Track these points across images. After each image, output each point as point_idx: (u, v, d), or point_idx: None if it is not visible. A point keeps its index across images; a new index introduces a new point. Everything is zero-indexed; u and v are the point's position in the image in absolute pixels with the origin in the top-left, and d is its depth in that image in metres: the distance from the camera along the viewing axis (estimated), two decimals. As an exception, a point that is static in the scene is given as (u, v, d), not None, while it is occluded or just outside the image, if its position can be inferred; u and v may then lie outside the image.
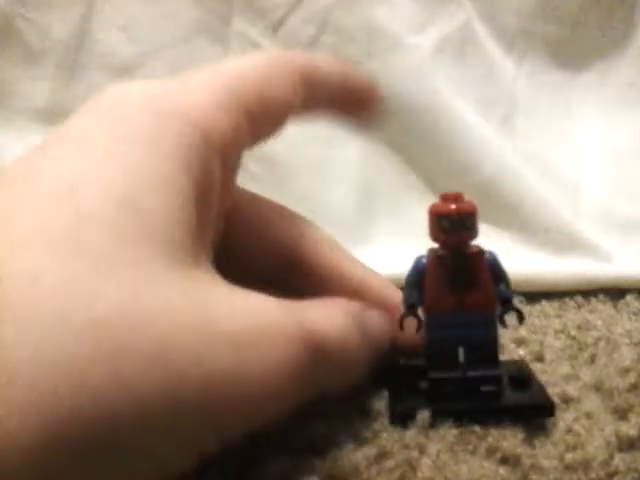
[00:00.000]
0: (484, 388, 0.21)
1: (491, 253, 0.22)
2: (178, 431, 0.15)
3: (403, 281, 0.22)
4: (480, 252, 0.22)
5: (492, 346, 0.22)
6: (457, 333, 0.21)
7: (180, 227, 0.17)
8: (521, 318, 0.22)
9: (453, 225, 0.21)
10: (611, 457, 0.20)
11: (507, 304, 0.22)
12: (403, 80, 0.43)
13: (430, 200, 0.22)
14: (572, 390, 0.24)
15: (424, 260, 0.22)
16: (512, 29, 0.48)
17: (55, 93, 0.42)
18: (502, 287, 0.22)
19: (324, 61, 0.23)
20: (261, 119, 0.21)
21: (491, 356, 0.22)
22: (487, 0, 0.47)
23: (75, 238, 0.15)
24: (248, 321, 0.16)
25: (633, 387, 0.23)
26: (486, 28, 0.47)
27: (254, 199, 0.25)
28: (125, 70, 0.43)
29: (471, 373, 0.21)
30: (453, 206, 0.21)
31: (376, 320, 0.22)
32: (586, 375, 0.25)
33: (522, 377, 0.22)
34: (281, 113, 0.22)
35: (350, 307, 0.21)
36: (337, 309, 0.20)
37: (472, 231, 0.21)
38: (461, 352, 0.22)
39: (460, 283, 0.21)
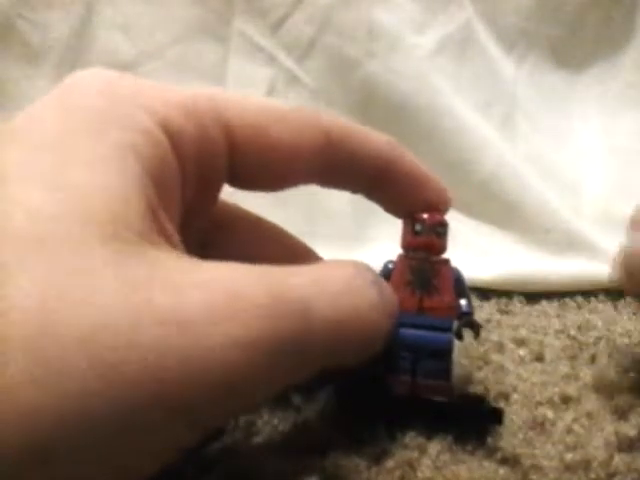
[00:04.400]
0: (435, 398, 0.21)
1: (457, 269, 0.22)
2: (124, 424, 0.14)
3: None
4: (446, 261, 0.22)
5: (446, 355, 0.21)
6: (411, 335, 0.21)
7: (121, 204, 0.16)
8: (477, 334, 0.22)
9: (424, 229, 0.22)
10: (611, 457, 0.20)
11: (465, 316, 0.22)
12: (403, 80, 0.43)
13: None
14: (572, 390, 0.24)
15: (390, 265, 0.22)
16: (512, 29, 0.48)
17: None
18: (463, 302, 0.22)
19: (370, 134, 0.22)
20: (253, 153, 0.20)
21: (443, 365, 0.21)
22: (487, 0, 0.47)
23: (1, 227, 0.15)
24: (202, 295, 0.15)
25: (633, 387, 0.23)
26: (486, 28, 0.47)
27: (249, 219, 0.24)
28: (125, 70, 0.43)
29: (421, 381, 0.21)
30: (426, 215, 0.22)
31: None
32: (586, 375, 0.25)
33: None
34: (286, 157, 0.20)
35: (363, 267, 0.19)
36: (342, 271, 0.18)
37: (441, 240, 0.22)
38: (408, 358, 0.21)
39: (422, 286, 0.21)
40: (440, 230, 0.22)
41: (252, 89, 0.43)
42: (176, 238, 0.18)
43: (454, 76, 0.45)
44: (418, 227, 0.22)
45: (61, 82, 0.18)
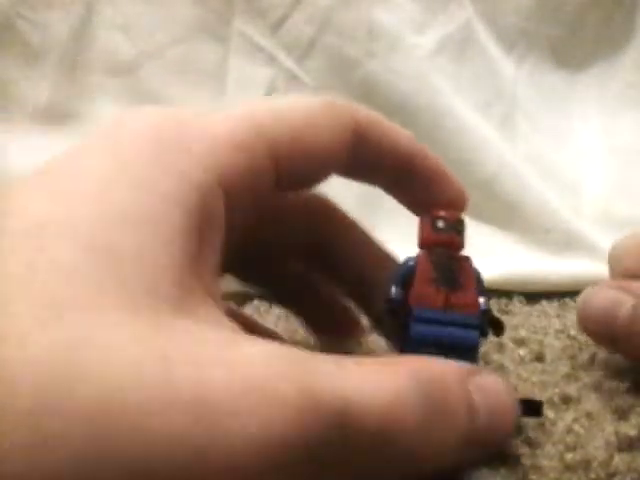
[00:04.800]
0: None
1: (476, 267, 0.22)
2: None
3: None
4: (467, 258, 0.22)
5: (473, 352, 0.21)
6: (440, 332, 0.21)
7: (156, 271, 0.15)
8: (499, 331, 0.22)
9: (446, 225, 0.22)
10: (611, 457, 0.20)
11: (487, 314, 0.22)
12: (403, 80, 0.43)
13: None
14: (572, 390, 0.24)
15: (411, 262, 0.22)
16: (512, 29, 0.48)
17: (55, 93, 0.42)
18: (482, 300, 0.22)
19: (394, 129, 0.22)
20: (294, 163, 0.20)
21: (470, 362, 0.21)
22: (487, 0, 0.47)
23: (29, 283, 0.14)
24: (227, 384, 0.13)
25: (633, 387, 0.23)
26: (486, 28, 0.47)
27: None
28: (125, 70, 0.43)
29: None
30: (446, 212, 0.22)
31: (492, 387, 0.18)
32: (586, 375, 0.25)
33: None
34: (321, 160, 0.20)
35: (422, 370, 0.17)
36: (391, 371, 0.16)
37: (461, 237, 0.22)
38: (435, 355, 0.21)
39: (448, 282, 0.21)
40: (459, 227, 0.22)
41: (252, 89, 0.43)
42: (216, 291, 0.17)
43: (454, 76, 0.45)
44: (440, 224, 0.22)
45: (107, 125, 0.18)
